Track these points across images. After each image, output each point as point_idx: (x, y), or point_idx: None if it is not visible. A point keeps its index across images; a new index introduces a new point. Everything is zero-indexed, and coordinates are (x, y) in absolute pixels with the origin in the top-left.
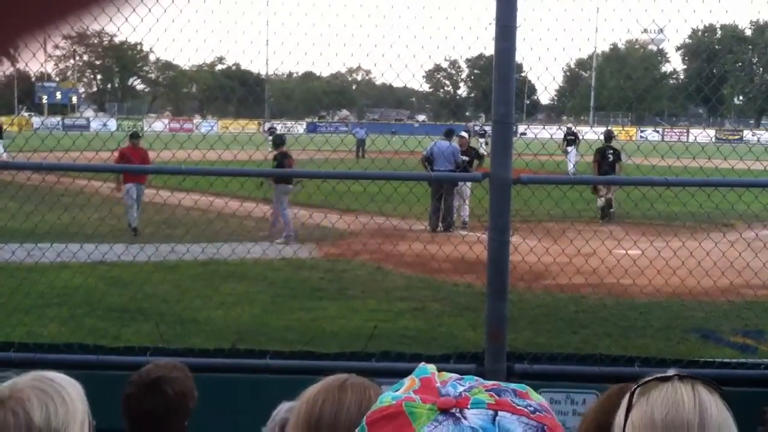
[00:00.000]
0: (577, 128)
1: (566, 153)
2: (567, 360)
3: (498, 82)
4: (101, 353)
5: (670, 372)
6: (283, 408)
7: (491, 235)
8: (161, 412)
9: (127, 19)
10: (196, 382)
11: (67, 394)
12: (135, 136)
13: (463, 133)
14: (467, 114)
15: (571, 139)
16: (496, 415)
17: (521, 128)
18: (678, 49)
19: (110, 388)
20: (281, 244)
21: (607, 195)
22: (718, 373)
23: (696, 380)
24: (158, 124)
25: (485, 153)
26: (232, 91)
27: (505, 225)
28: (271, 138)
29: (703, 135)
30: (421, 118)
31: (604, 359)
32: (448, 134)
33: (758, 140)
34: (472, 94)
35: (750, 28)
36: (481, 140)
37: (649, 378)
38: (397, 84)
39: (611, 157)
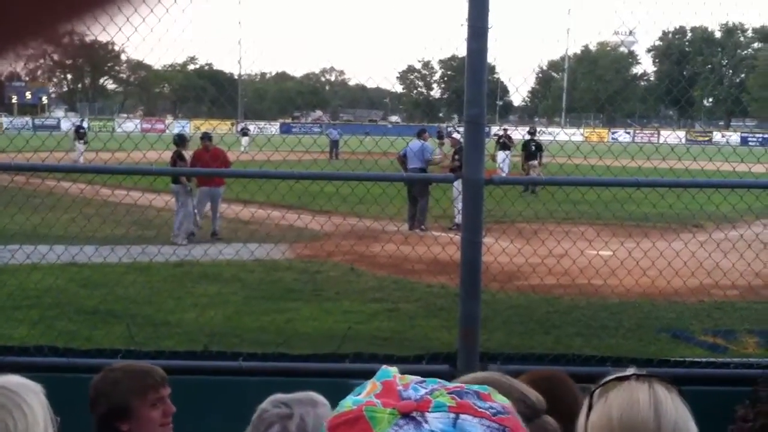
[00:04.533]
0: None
1: (495, 159)
2: (539, 360)
3: (470, 82)
4: (71, 356)
5: (629, 371)
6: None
7: (464, 235)
8: (107, 420)
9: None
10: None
11: (26, 405)
12: (206, 138)
13: (456, 135)
14: (440, 115)
15: (504, 143)
16: (457, 418)
17: (493, 129)
18: (649, 51)
19: (80, 391)
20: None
21: (535, 170)
22: (688, 372)
23: (652, 379)
24: (129, 125)
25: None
26: (204, 91)
27: (477, 225)
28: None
29: (673, 136)
30: (395, 119)
31: (576, 359)
32: (420, 134)
33: (727, 141)
34: (445, 95)
35: (719, 31)
36: (446, 141)
37: (609, 378)
38: (371, 85)
39: (533, 148)
